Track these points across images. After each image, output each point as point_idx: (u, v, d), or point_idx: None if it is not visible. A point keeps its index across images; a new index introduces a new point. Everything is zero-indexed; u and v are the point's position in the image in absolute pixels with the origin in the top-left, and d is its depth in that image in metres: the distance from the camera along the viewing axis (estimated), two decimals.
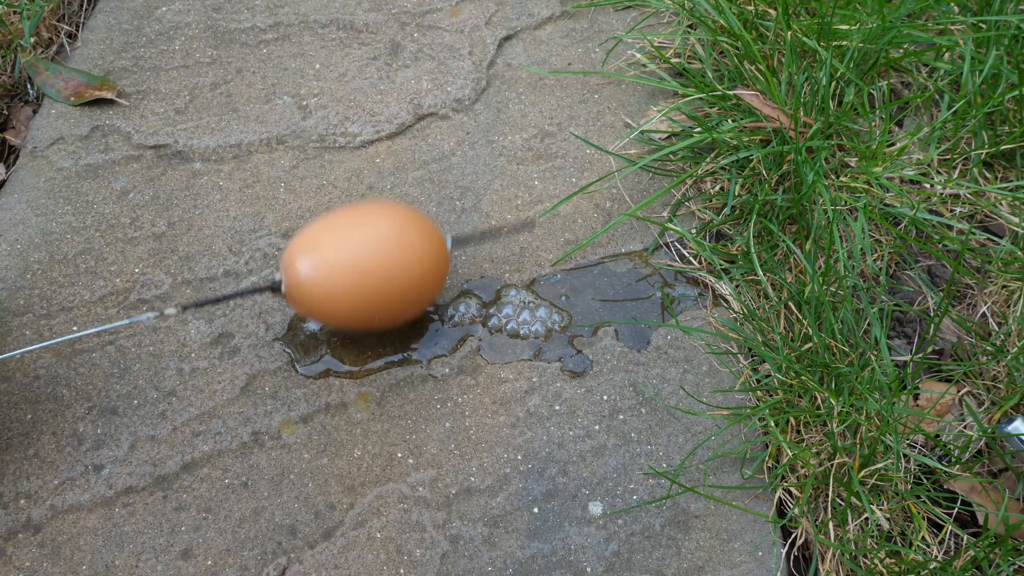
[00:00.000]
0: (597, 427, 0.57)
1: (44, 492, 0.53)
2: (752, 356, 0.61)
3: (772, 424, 0.56)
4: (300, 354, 0.59)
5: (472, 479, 0.55)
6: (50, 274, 0.63)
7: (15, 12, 0.77)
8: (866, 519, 0.54)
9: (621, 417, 0.58)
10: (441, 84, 0.75)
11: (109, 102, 0.73)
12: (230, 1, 0.81)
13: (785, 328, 0.62)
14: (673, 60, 0.76)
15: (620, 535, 0.53)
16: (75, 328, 0.60)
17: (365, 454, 0.55)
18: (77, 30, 0.80)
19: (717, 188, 0.69)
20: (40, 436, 0.55)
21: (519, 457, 0.56)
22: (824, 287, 0.60)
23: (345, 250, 0.54)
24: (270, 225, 0.66)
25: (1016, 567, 0.53)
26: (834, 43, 0.72)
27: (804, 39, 0.70)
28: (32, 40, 0.77)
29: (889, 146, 0.71)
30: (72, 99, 0.73)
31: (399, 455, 0.55)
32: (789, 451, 0.55)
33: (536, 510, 0.54)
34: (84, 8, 0.81)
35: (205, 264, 0.63)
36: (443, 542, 0.52)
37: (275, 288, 0.55)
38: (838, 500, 0.55)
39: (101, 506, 0.53)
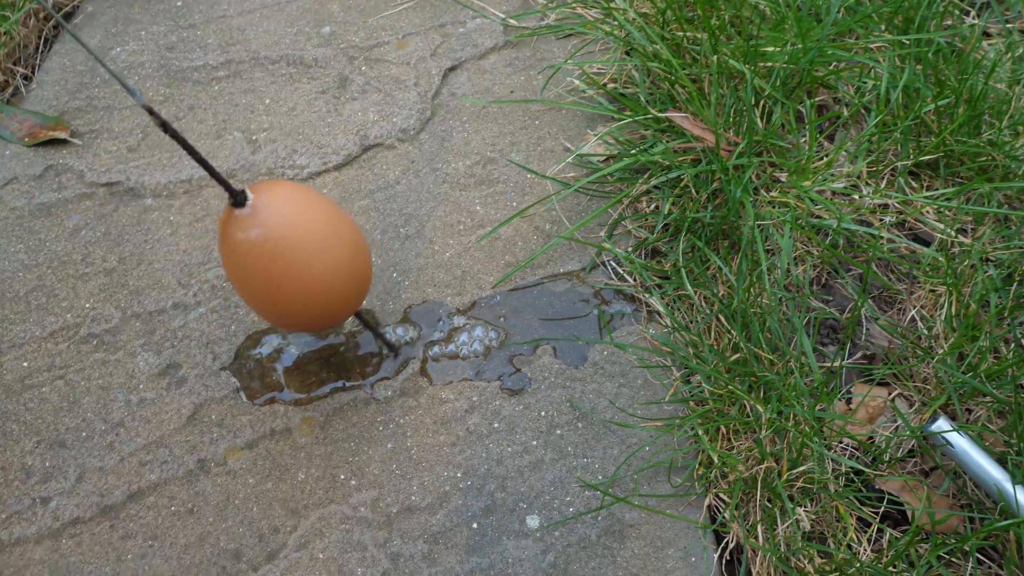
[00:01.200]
0: (535, 442, 0.59)
1: None
2: (684, 369, 0.63)
3: (702, 433, 0.58)
4: (246, 382, 0.61)
5: (413, 498, 0.56)
6: (1, 312, 0.64)
7: None
8: (796, 521, 0.56)
9: (558, 432, 0.60)
10: (387, 115, 0.77)
11: (63, 142, 0.75)
12: (183, 40, 0.83)
13: (715, 340, 0.64)
14: (610, 86, 0.79)
15: (557, 547, 0.55)
16: (25, 364, 0.61)
17: (309, 477, 0.57)
18: (32, 72, 0.82)
19: (652, 207, 0.71)
20: None
21: (459, 475, 0.57)
22: (751, 299, 0.63)
23: (316, 211, 0.50)
24: (218, 257, 0.67)
25: (944, 562, 0.54)
26: (761, 64, 0.75)
27: (731, 61, 0.73)
28: None
29: (818, 161, 0.74)
30: (26, 140, 0.75)
31: (342, 477, 0.57)
32: (718, 458, 0.57)
33: (475, 525, 0.55)
34: (39, 50, 0.83)
35: (154, 297, 0.65)
36: (384, 560, 0.54)
37: (237, 199, 0.48)
38: (767, 504, 0.56)
39: (48, 538, 0.54)
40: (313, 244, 0.49)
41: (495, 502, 0.56)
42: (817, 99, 0.77)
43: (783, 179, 0.73)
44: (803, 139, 0.75)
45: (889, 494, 0.59)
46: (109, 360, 0.62)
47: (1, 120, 0.76)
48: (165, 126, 0.41)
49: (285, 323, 0.53)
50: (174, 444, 0.58)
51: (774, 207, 0.70)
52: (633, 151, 0.71)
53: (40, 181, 0.72)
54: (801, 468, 0.56)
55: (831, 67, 0.78)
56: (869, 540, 0.57)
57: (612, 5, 0.80)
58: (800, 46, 0.73)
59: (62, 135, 0.75)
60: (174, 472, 0.57)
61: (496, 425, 0.60)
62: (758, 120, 0.74)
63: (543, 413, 0.60)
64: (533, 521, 0.56)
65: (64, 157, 0.74)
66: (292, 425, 0.59)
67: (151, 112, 0.40)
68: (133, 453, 0.57)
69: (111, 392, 0.60)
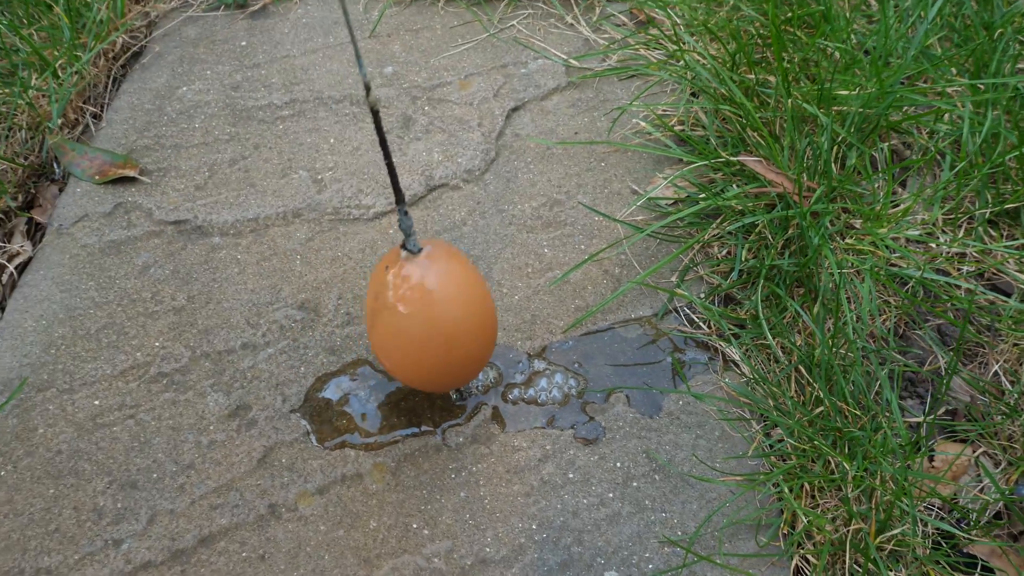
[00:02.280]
0: (611, 495, 0.58)
1: (64, 568, 0.55)
2: (764, 421, 0.62)
3: (786, 490, 0.57)
4: (317, 425, 0.61)
5: (487, 549, 0.56)
6: (73, 349, 0.65)
7: (43, 95, 0.82)
8: None
9: (635, 484, 0.59)
10: (452, 155, 0.78)
11: (132, 180, 0.77)
12: (248, 80, 0.86)
13: (796, 392, 0.63)
14: (677, 128, 0.79)
15: None
16: (96, 402, 0.62)
17: (381, 525, 0.57)
18: (102, 111, 0.84)
19: (724, 253, 0.71)
20: (61, 511, 0.57)
21: (534, 526, 0.57)
22: (833, 350, 0.62)
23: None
24: (286, 297, 0.68)
25: None
26: (834, 108, 0.75)
27: (804, 105, 0.74)
28: (59, 122, 0.81)
29: (893, 207, 0.73)
30: (97, 177, 0.77)
31: (414, 526, 0.57)
32: (804, 517, 0.56)
33: None
34: (108, 89, 0.86)
35: (223, 336, 0.66)
36: None
37: (410, 247, 0.51)
38: (855, 567, 0.55)
39: None
40: (471, 297, 0.53)
41: (572, 556, 0.56)
42: (890, 143, 0.77)
43: (857, 225, 0.73)
44: (877, 185, 0.75)
45: (982, 560, 0.57)
46: (179, 400, 0.62)
47: (73, 158, 0.78)
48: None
49: (434, 380, 0.56)
50: (245, 488, 0.58)
51: (850, 254, 0.70)
52: (705, 195, 0.71)
53: (110, 219, 0.74)
54: (893, 531, 0.55)
55: (905, 111, 0.78)
56: None
57: (682, 46, 0.81)
58: (873, 90, 0.73)
59: (131, 173, 0.77)
60: (245, 517, 0.57)
61: (571, 475, 0.59)
62: (833, 165, 0.74)
63: (619, 464, 0.60)
64: None
65: (133, 195, 0.76)
66: (363, 471, 0.59)
67: (368, 89, 0.44)
68: (204, 496, 0.58)
69: (181, 433, 0.61)
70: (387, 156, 0.48)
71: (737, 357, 0.65)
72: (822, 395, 0.60)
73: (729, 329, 0.65)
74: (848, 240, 0.71)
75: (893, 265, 0.70)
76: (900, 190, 0.77)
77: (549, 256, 0.71)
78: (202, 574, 0.55)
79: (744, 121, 0.75)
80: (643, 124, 0.80)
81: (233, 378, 0.63)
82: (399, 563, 0.55)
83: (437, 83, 0.85)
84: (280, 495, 0.58)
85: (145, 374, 0.64)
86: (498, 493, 0.58)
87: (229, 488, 0.58)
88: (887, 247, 0.70)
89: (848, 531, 0.55)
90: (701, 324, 0.67)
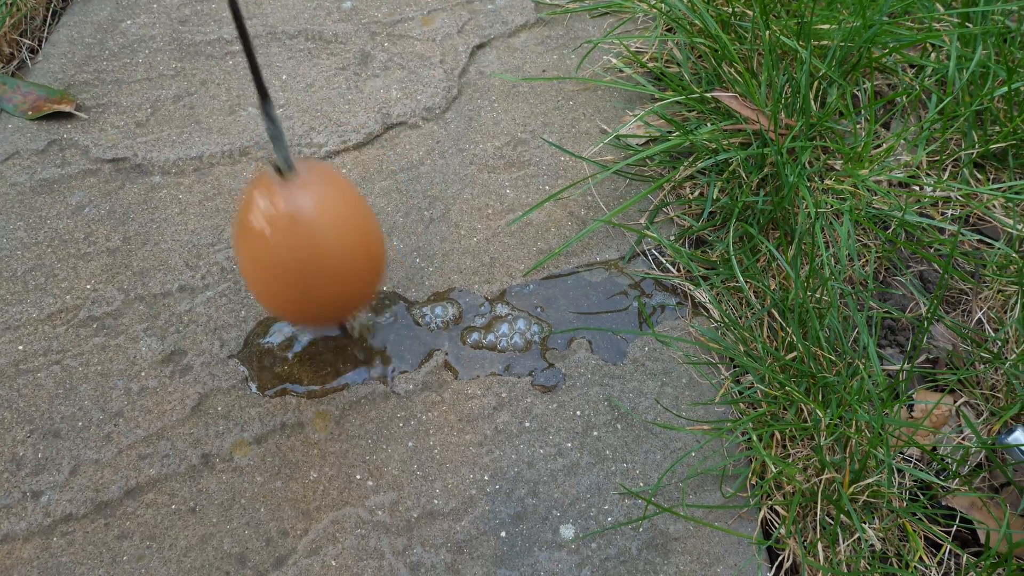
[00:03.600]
0: (569, 444, 0.54)
1: None
2: (734, 367, 0.58)
3: (755, 438, 0.53)
4: (256, 371, 0.56)
5: (435, 502, 0.52)
6: None
7: None
8: (858, 539, 0.51)
9: (595, 433, 0.55)
10: (411, 93, 0.73)
11: (68, 116, 0.71)
12: (197, 14, 0.80)
13: (768, 337, 0.59)
14: (650, 65, 0.74)
15: (593, 560, 0.50)
16: (20, 347, 0.57)
17: (322, 476, 0.52)
18: (40, 45, 0.78)
19: (696, 193, 0.67)
20: None
21: (486, 477, 0.53)
22: (809, 293, 0.58)
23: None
24: (229, 238, 0.63)
25: None
26: (815, 43, 0.71)
27: (784, 39, 0.69)
28: None
29: (875, 148, 0.69)
30: (30, 113, 0.71)
31: (358, 477, 0.52)
32: (774, 467, 0.52)
33: (503, 534, 0.51)
34: (47, 23, 0.80)
35: (160, 279, 0.61)
36: (403, 570, 0.49)
37: (279, 168, 0.45)
38: (827, 519, 0.51)
39: (38, 535, 0.50)
40: (346, 228, 0.46)
41: (526, 509, 0.52)
42: (873, 82, 0.72)
43: (838, 167, 0.68)
44: (859, 125, 0.70)
45: (960, 512, 0.54)
46: (109, 345, 0.57)
47: (4, 92, 0.73)
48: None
49: (297, 313, 0.50)
50: (176, 437, 0.54)
51: (828, 196, 0.65)
52: (677, 132, 0.67)
53: (43, 156, 0.69)
54: (868, 480, 0.51)
55: (891, 46, 0.73)
56: (939, 563, 0.51)
57: None
58: (856, 23, 0.68)
59: (67, 108, 0.71)
60: (176, 467, 0.52)
61: (527, 424, 0.55)
62: (812, 103, 0.69)
63: (579, 412, 0.56)
64: (568, 531, 0.51)
65: (69, 132, 0.70)
66: (305, 419, 0.55)
67: None
68: (132, 446, 0.53)
69: (110, 379, 0.56)
70: (244, 38, 0.40)
71: (707, 301, 0.61)
72: (795, 340, 0.56)
73: (699, 272, 0.61)
74: (827, 181, 0.66)
75: (874, 208, 0.66)
76: (884, 131, 0.73)
77: (511, 197, 0.66)
78: (127, 527, 0.50)
79: (720, 55, 0.70)
80: (614, 61, 0.75)
81: (168, 322, 0.59)
82: (340, 515, 0.51)
83: (398, 19, 0.79)
84: (214, 444, 0.53)
85: (74, 318, 0.59)
86: (448, 443, 0.54)
87: (159, 437, 0.54)
88: (868, 189, 0.66)
89: (820, 481, 0.52)
90: (670, 267, 0.63)
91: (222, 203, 0.65)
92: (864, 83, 0.72)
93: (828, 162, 0.68)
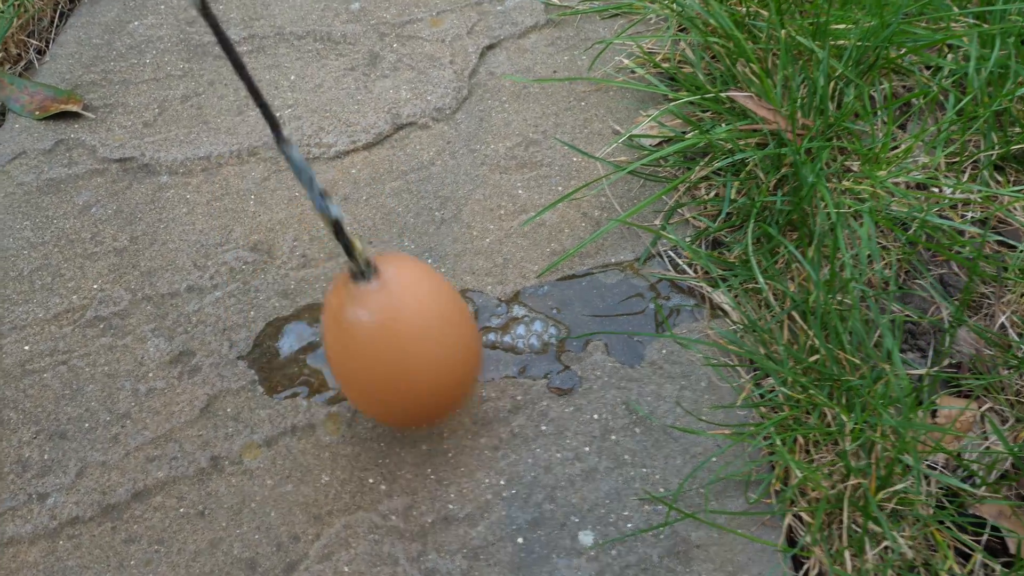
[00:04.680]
0: (587, 449, 0.53)
1: None
2: (755, 370, 0.57)
3: (779, 442, 0.52)
4: (266, 373, 0.55)
5: (450, 506, 0.50)
6: (3, 291, 0.59)
7: None
8: (886, 547, 0.49)
9: (613, 438, 0.54)
10: (421, 94, 0.72)
11: (75, 116, 0.70)
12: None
13: (789, 340, 0.58)
14: (663, 65, 0.73)
15: (614, 567, 0.48)
16: (26, 347, 0.56)
17: (333, 480, 0.51)
18: (47, 45, 0.78)
19: (712, 194, 0.65)
20: None
21: (502, 482, 0.51)
22: (830, 295, 0.57)
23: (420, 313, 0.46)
24: (238, 238, 0.62)
25: None
26: (831, 42, 0.70)
27: (799, 39, 0.68)
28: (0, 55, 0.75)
29: (892, 149, 0.68)
30: (37, 113, 0.70)
31: (371, 480, 0.51)
32: (799, 472, 0.50)
33: (520, 540, 0.49)
34: (54, 24, 0.79)
35: (167, 279, 0.60)
36: None
37: (363, 273, 0.43)
38: (854, 527, 0.50)
39: (44, 539, 0.49)
40: (440, 333, 0.45)
41: (543, 514, 0.50)
42: (891, 82, 0.72)
43: (855, 168, 0.67)
44: (876, 126, 0.69)
45: (989, 520, 0.52)
46: (116, 345, 0.56)
47: (11, 92, 0.72)
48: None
49: (391, 417, 0.50)
50: (185, 439, 0.52)
51: (846, 197, 0.64)
52: (692, 133, 0.66)
53: (50, 156, 0.68)
54: (895, 488, 0.49)
55: (908, 47, 0.72)
56: (970, 573, 0.50)
57: None
58: (873, 23, 0.68)
59: (74, 108, 0.70)
60: (184, 470, 0.51)
61: (544, 428, 0.54)
62: (829, 103, 0.68)
63: (596, 416, 0.54)
64: (586, 538, 0.50)
65: (76, 131, 0.69)
66: (316, 421, 0.53)
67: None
68: (140, 447, 0.52)
69: (117, 380, 0.55)
70: (243, 76, 0.37)
71: (725, 303, 0.59)
72: (817, 343, 0.55)
73: (717, 273, 0.60)
74: (845, 183, 0.65)
75: (892, 210, 0.65)
76: (901, 133, 0.72)
77: (524, 197, 0.65)
78: (134, 531, 0.49)
79: (734, 55, 0.69)
80: (626, 61, 0.74)
81: (176, 322, 0.57)
82: (352, 520, 0.49)
83: (407, 19, 0.78)
84: (223, 447, 0.52)
85: (81, 318, 0.58)
86: (463, 446, 0.53)
87: (168, 439, 0.52)
88: (887, 190, 0.65)
89: (846, 487, 0.50)
90: (687, 269, 0.62)
91: (230, 203, 0.64)
92: (881, 84, 0.71)
93: (845, 163, 0.67)
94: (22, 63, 0.76)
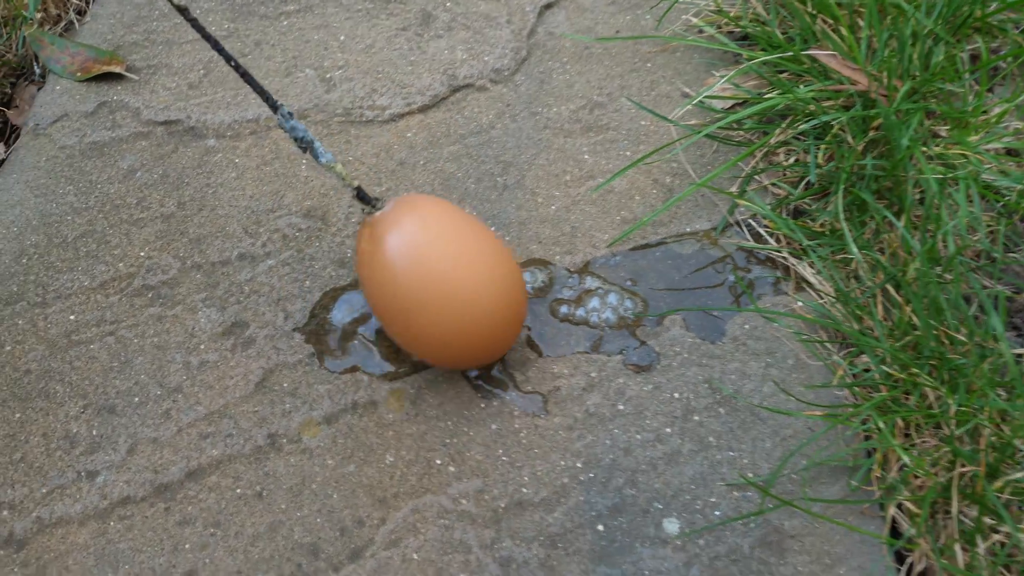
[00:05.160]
0: (669, 430, 0.48)
1: (30, 502, 0.45)
2: (847, 347, 0.51)
3: (882, 426, 0.46)
4: (324, 345, 0.51)
5: (524, 490, 0.46)
6: (47, 259, 0.55)
7: None
8: (1000, 542, 0.44)
9: (696, 418, 0.49)
10: (477, 54, 0.67)
11: (118, 77, 0.66)
12: None
13: (883, 315, 0.52)
14: (734, 23, 0.67)
15: (702, 558, 0.44)
16: (72, 317, 0.52)
17: (399, 460, 0.47)
18: (87, 5, 0.73)
19: (791, 160, 0.60)
20: (29, 438, 0.47)
21: (578, 464, 0.47)
22: (929, 266, 0.51)
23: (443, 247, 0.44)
24: (290, 204, 0.58)
25: None
26: None
27: None
28: (39, 15, 0.70)
29: (983, 114, 0.62)
30: (78, 74, 0.66)
31: (438, 462, 0.47)
32: (906, 458, 0.45)
33: (601, 528, 0.45)
34: None
35: (218, 247, 0.55)
36: (492, 566, 0.43)
37: (370, 204, 0.44)
38: (963, 518, 0.45)
39: (94, 519, 0.45)
40: (463, 246, 0.44)
41: (624, 500, 0.46)
42: (986, 43, 0.65)
43: (943, 133, 0.61)
44: (964, 88, 0.63)
45: None
46: (166, 316, 0.52)
47: (52, 53, 0.67)
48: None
49: (436, 352, 0.46)
50: (240, 415, 0.48)
51: (936, 163, 0.58)
52: (770, 93, 0.60)
53: (92, 118, 0.63)
54: (1010, 477, 0.44)
55: (1000, 2, 0.65)
56: None
57: None
58: None
59: (117, 69, 0.65)
60: (240, 448, 0.47)
61: (621, 407, 0.49)
62: (917, 62, 0.62)
63: (676, 395, 0.49)
64: (672, 525, 0.45)
65: (119, 93, 0.65)
66: (378, 398, 0.49)
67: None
68: (192, 424, 0.48)
69: (168, 352, 0.50)
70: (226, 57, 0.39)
71: (811, 275, 0.54)
72: (916, 318, 0.49)
73: (804, 242, 0.54)
74: (935, 148, 0.59)
75: (985, 178, 0.59)
76: (990, 95, 0.65)
77: (590, 163, 0.60)
78: (189, 512, 0.45)
79: (813, 11, 0.63)
80: (694, 20, 0.68)
81: (228, 292, 0.53)
82: (420, 504, 0.45)
83: None
84: (281, 424, 0.48)
85: (128, 286, 0.53)
86: (535, 426, 0.48)
87: (222, 415, 0.48)
88: (979, 157, 0.59)
89: (954, 475, 0.45)
90: (768, 238, 0.56)
91: (281, 167, 0.60)
92: (969, 43, 0.65)
93: (932, 128, 0.61)
94: (62, 23, 0.72)
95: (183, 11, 0.37)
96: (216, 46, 0.38)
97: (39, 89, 0.68)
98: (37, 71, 0.70)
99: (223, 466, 0.46)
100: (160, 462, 0.46)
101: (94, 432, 0.47)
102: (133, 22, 0.70)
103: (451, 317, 0.43)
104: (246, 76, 0.40)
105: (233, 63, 0.39)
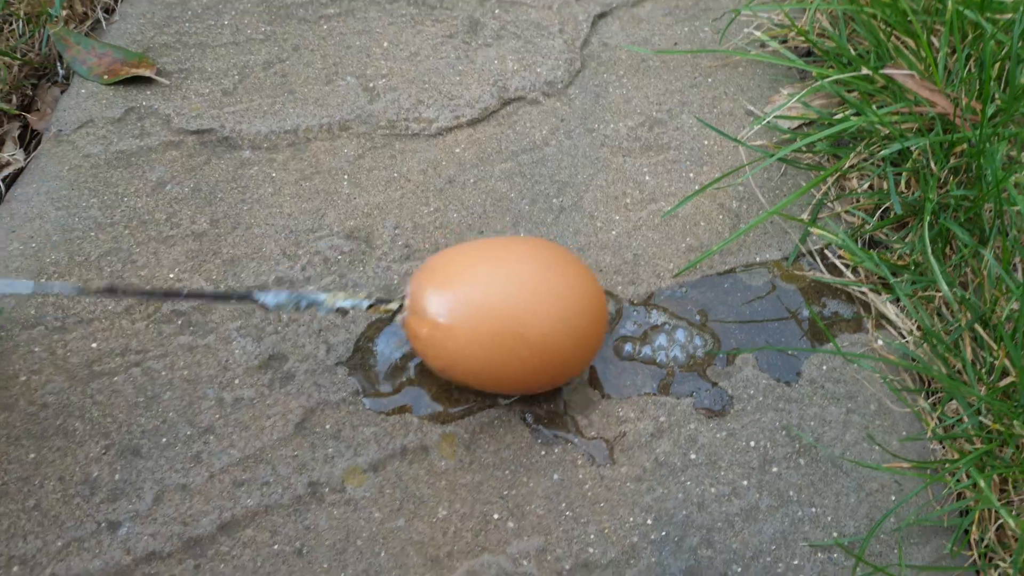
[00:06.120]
0: (745, 482, 0.42)
1: (43, 556, 0.39)
2: (934, 392, 0.45)
3: (981, 483, 0.40)
4: (370, 383, 0.45)
5: (591, 550, 0.40)
6: (68, 278, 0.49)
7: None
8: None
9: (775, 469, 0.42)
10: (529, 65, 0.60)
11: (147, 81, 0.59)
12: None
13: (972, 357, 0.46)
14: (800, 38, 0.61)
15: None
16: (94, 345, 0.46)
17: (452, 514, 0.40)
18: (115, 3, 0.66)
19: (866, 186, 0.53)
20: (44, 482, 0.41)
21: (649, 521, 0.41)
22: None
23: (486, 290, 0.40)
24: (331, 224, 0.51)
25: None
26: (997, 15, 0.57)
27: (964, 11, 0.55)
28: (64, 12, 0.64)
29: None
30: (105, 77, 0.59)
31: (495, 516, 0.41)
32: (1011, 521, 0.39)
33: None
34: None
35: (253, 269, 0.49)
36: None
37: (390, 306, 0.42)
38: None
39: None
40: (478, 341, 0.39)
41: (700, 562, 0.40)
42: None
43: (1022, 159, 0.55)
44: None
45: None
46: (197, 345, 0.46)
47: (77, 53, 0.61)
48: None
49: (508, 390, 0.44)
50: (278, 460, 0.42)
51: (1018, 191, 0.52)
52: (840, 113, 0.53)
53: (119, 125, 0.57)
54: None
55: None
56: None
57: None
58: None
59: (147, 73, 0.59)
60: (278, 498, 0.41)
61: (693, 456, 0.43)
62: (997, 84, 0.55)
63: (752, 443, 0.43)
64: None
65: (148, 99, 0.58)
66: (429, 443, 0.43)
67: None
68: (226, 469, 0.41)
69: (199, 387, 0.44)
70: None
71: (891, 313, 0.48)
72: (1013, 362, 0.43)
73: (887, 277, 0.48)
74: (1016, 176, 0.53)
75: None
76: None
77: (651, 185, 0.54)
78: (221, 571, 0.39)
79: (888, 28, 0.57)
80: (758, 34, 0.62)
81: (265, 320, 0.47)
82: (477, 565, 0.39)
83: None
84: (323, 471, 0.41)
85: (156, 312, 0.47)
86: (601, 476, 0.42)
87: (258, 460, 0.42)
88: None
89: None
90: (844, 270, 0.50)
91: (321, 183, 0.53)
92: None
93: (1009, 153, 0.55)
94: (89, 22, 0.65)
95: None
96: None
97: (62, 92, 0.61)
98: (61, 72, 0.63)
99: (259, 518, 0.40)
100: (190, 512, 0.40)
101: (116, 476, 0.41)
102: (164, 23, 0.64)
103: (528, 354, 0.38)
104: (210, 294, 0.41)
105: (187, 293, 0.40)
